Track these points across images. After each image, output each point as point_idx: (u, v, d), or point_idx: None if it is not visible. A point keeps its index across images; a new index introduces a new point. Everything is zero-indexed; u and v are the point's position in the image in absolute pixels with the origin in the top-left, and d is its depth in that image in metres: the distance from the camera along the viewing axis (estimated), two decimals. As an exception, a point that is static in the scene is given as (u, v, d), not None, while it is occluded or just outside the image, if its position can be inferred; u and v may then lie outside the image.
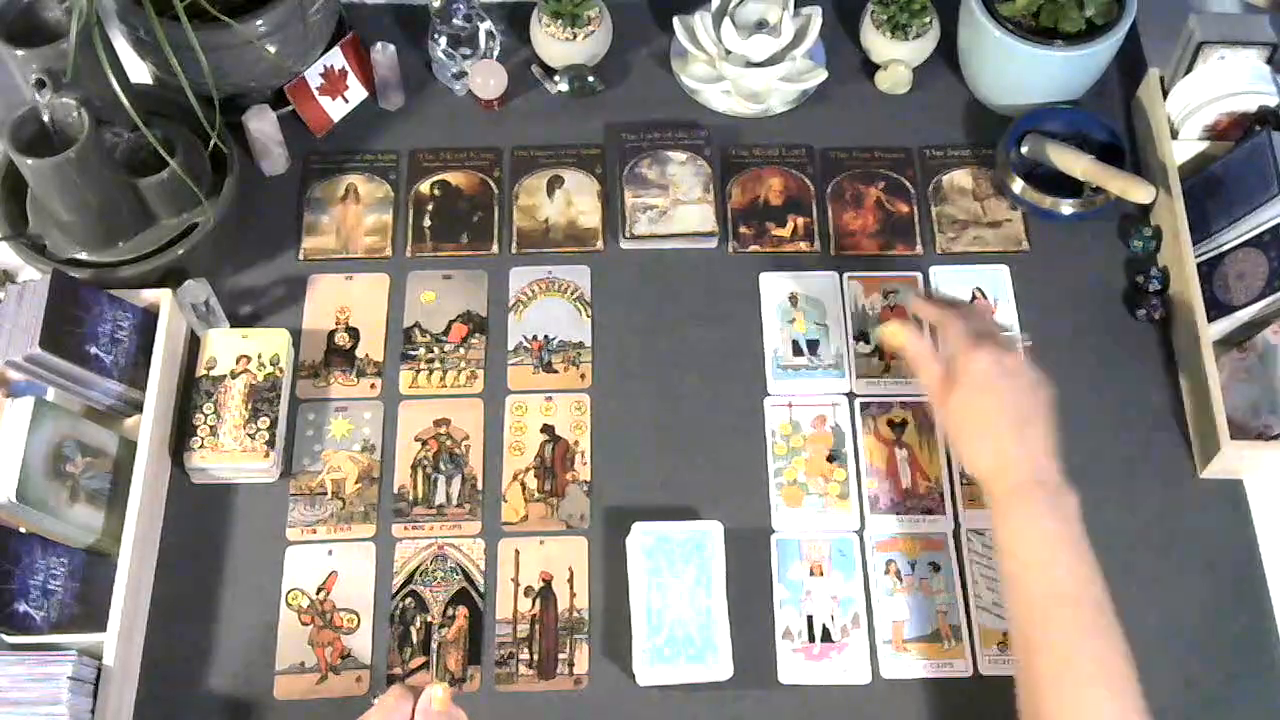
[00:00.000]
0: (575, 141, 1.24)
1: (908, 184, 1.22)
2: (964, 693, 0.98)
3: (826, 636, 1.00)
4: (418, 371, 1.12)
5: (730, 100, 1.25)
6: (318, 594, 1.02)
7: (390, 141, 1.25)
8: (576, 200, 1.21)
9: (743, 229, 1.19)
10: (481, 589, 1.02)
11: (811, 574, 1.02)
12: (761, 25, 1.21)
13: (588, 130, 1.25)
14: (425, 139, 1.25)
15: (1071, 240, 1.18)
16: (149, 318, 1.08)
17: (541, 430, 1.09)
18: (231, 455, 1.04)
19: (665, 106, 1.27)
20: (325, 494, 1.06)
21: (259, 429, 1.04)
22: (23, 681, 0.89)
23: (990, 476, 0.94)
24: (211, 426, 1.05)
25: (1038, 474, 0.91)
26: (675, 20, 1.24)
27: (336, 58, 1.23)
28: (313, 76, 1.21)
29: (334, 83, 1.23)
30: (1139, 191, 1.12)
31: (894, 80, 1.26)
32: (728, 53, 1.22)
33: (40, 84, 0.99)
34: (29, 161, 0.99)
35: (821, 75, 1.25)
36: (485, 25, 1.25)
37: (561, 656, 0.99)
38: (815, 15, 1.23)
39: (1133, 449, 1.08)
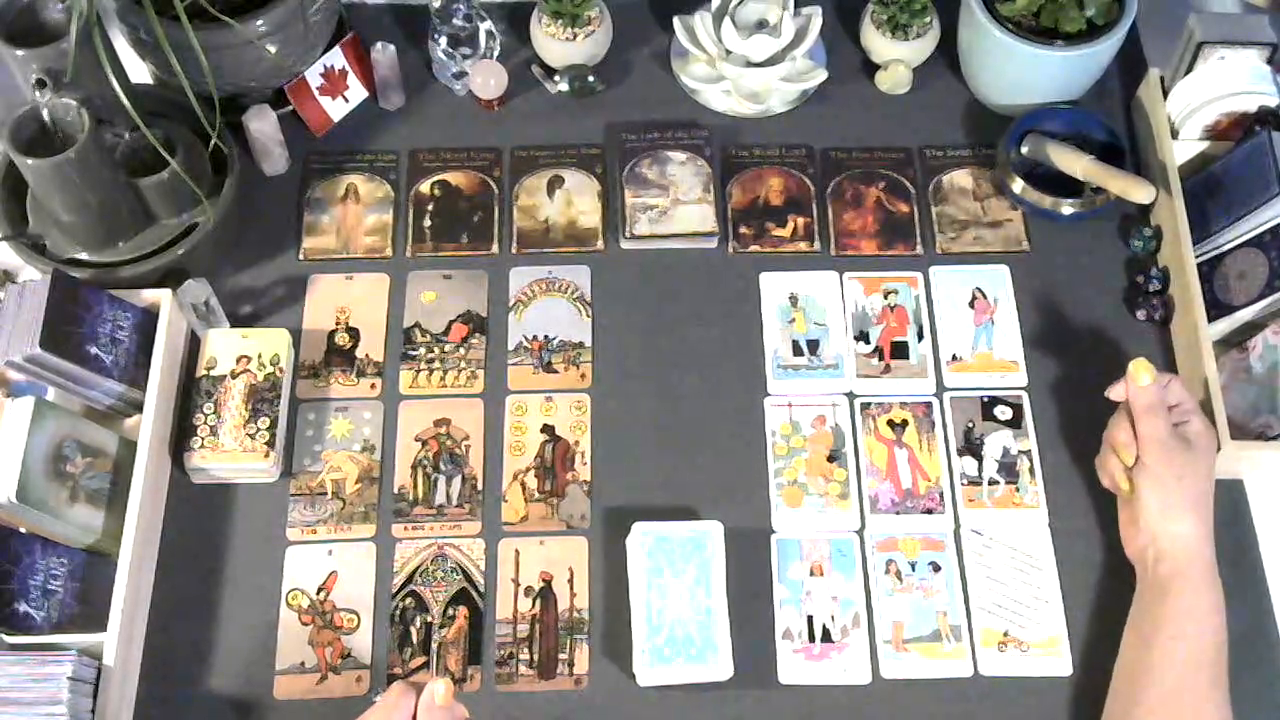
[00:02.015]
0: (575, 141, 1.24)
1: (908, 184, 1.22)
2: (964, 693, 0.98)
3: (826, 636, 1.00)
4: (418, 371, 1.12)
5: (730, 100, 1.25)
6: (318, 594, 1.02)
7: (390, 141, 1.25)
8: (576, 200, 1.21)
9: (743, 229, 1.19)
10: (481, 589, 1.02)
11: (811, 574, 1.02)
12: (761, 25, 1.21)
13: (588, 130, 1.25)
14: (425, 139, 1.25)
15: (1071, 240, 1.18)
16: (149, 318, 1.08)
17: (541, 430, 1.09)
18: (231, 455, 1.04)
19: (665, 106, 1.27)
20: (325, 494, 1.06)
21: (259, 429, 1.04)
22: (23, 681, 0.89)
23: (1187, 551, 0.94)
24: (211, 426, 1.05)
25: (1214, 556, 0.95)
26: (675, 20, 1.24)
27: (336, 58, 1.23)
28: (313, 76, 1.21)
29: (334, 83, 1.23)
30: (1139, 191, 1.12)
31: (894, 80, 1.26)
32: (728, 53, 1.22)
33: (40, 84, 0.99)
34: (29, 161, 0.99)
35: (821, 75, 1.25)
36: (485, 25, 1.25)
37: (561, 656, 0.99)
38: (815, 15, 1.23)
39: (1133, 449, 1.08)
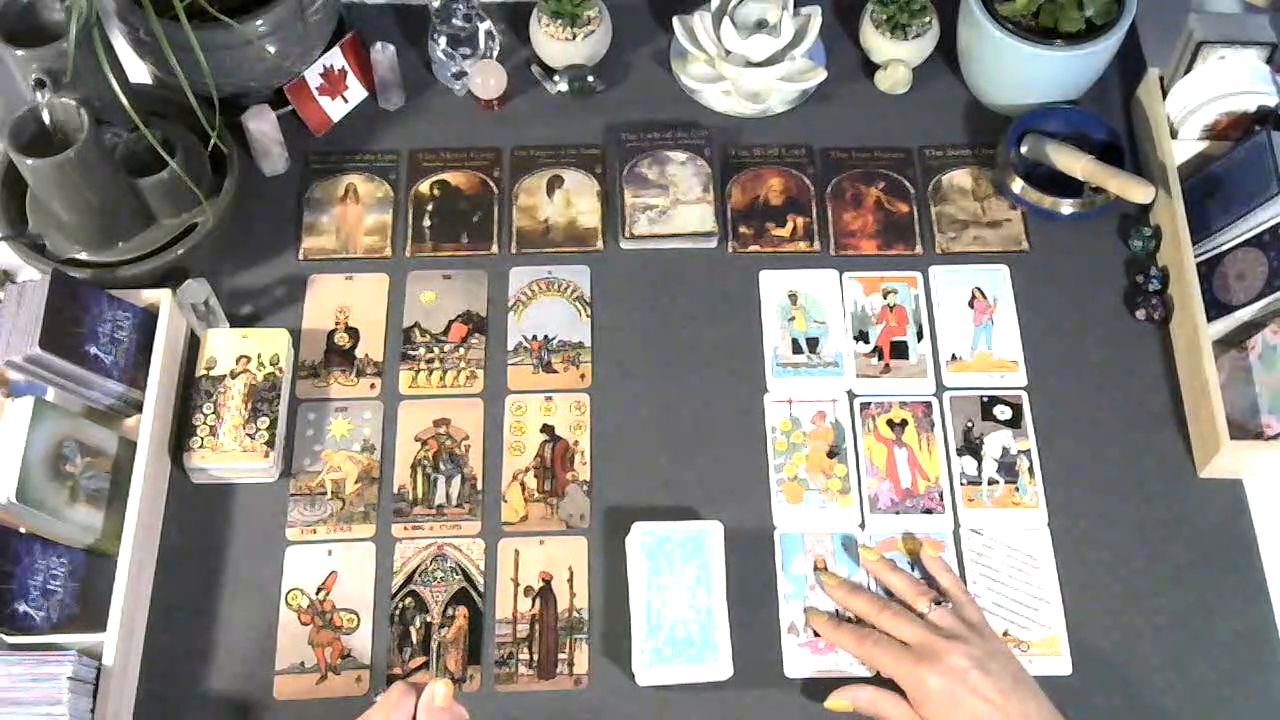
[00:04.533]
0: (575, 141, 1.24)
1: (908, 184, 1.22)
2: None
3: (828, 633, 1.00)
4: (417, 371, 1.12)
5: (730, 100, 1.25)
6: (317, 594, 1.02)
7: (390, 141, 1.25)
8: (576, 200, 1.21)
9: (742, 229, 1.19)
10: (481, 589, 1.02)
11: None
12: (761, 25, 1.21)
13: (588, 130, 1.25)
14: (425, 139, 1.25)
15: (1071, 240, 1.18)
16: (149, 318, 1.08)
17: (541, 430, 1.09)
18: (231, 455, 1.04)
19: (665, 106, 1.27)
20: (325, 494, 1.06)
21: (259, 429, 1.04)
22: (23, 681, 0.89)
23: None
24: (211, 426, 1.05)
25: None
26: (675, 20, 1.24)
27: (336, 58, 1.23)
28: (312, 76, 1.21)
29: (334, 83, 1.23)
30: (1138, 191, 1.12)
31: (894, 80, 1.26)
32: (727, 52, 1.22)
33: (40, 84, 0.99)
34: (29, 161, 0.99)
35: (821, 75, 1.25)
36: (485, 25, 1.25)
37: (561, 656, 0.99)
38: (815, 15, 1.23)
39: (1132, 449, 1.08)
